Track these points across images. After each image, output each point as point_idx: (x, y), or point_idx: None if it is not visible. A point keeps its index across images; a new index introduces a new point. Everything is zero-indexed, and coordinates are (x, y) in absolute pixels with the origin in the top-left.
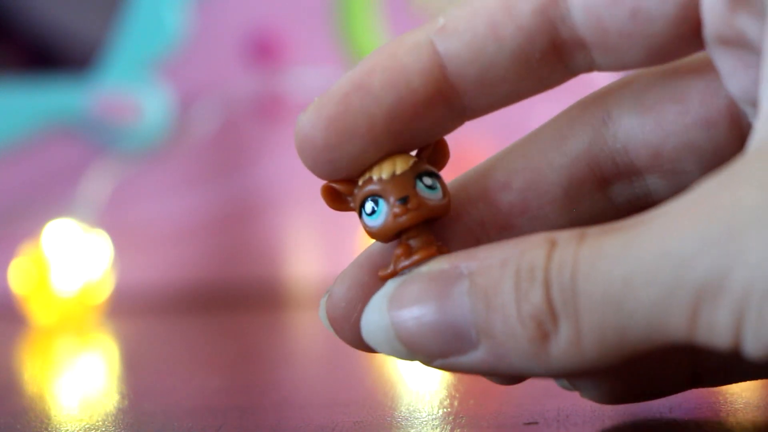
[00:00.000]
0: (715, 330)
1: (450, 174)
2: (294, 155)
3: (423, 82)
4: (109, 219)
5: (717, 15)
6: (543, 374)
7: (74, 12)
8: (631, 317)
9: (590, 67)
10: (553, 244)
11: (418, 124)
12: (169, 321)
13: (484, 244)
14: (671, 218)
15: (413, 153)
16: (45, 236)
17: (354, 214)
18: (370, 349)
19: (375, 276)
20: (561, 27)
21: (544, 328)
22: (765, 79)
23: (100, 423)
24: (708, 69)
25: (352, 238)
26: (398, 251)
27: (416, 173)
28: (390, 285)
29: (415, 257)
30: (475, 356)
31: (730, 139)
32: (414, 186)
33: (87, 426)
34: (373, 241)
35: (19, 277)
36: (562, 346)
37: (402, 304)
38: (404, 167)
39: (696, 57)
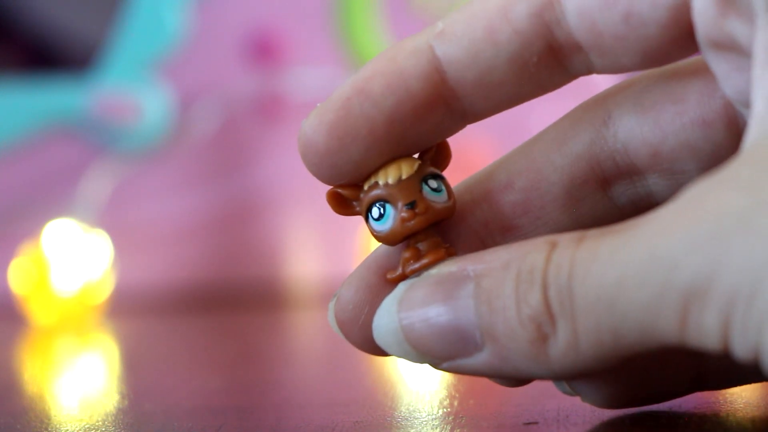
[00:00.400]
0: (704, 332)
1: (451, 174)
2: (294, 155)
3: (422, 87)
4: (109, 219)
5: (708, 19)
6: (545, 376)
7: (74, 12)
8: (624, 319)
9: (589, 70)
10: (553, 246)
11: (418, 128)
12: (169, 321)
13: (493, 247)
14: (661, 221)
15: (416, 155)
16: (45, 236)
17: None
18: (379, 352)
19: (382, 278)
20: (557, 30)
21: (543, 329)
22: (756, 82)
23: (100, 423)
24: (706, 70)
25: (352, 238)
26: (406, 254)
27: (421, 177)
28: (400, 288)
29: (424, 260)
30: (481, 359)
31: (727, 139)
32: (420, 190)
33: (87, 426)
34: (379, 243)
35: (19, 277)
36: (560, 348)
37: (411, 307)
38: (410, 171)
39: (696, 58)
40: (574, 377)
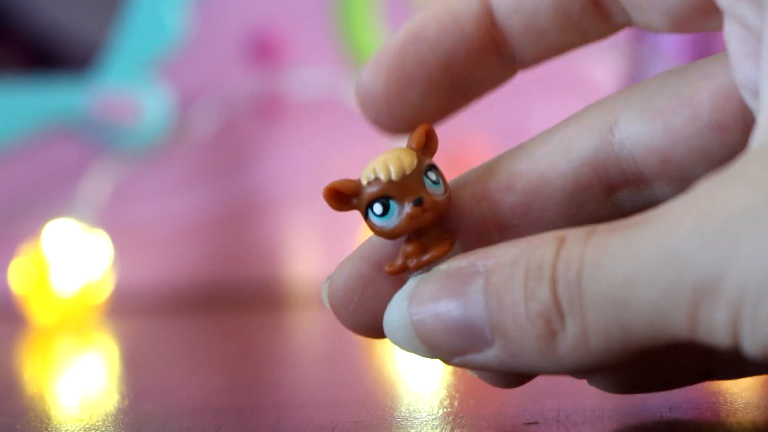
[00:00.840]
0: (714, 329)
1: (451, 174)
2: (294, 155)
3: (475, 30)
4: (109, 219)
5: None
6: (554, 371)
7: (74, 12)
8: (634, 315)
9: (629, 23)
10: (561, 242)
11: (473, 73)
12: (169, 321)
13: (503, 242)
14: (671, 217)
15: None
16: (45, 236)
17: (353, 213)
18: (370, 334)
19: (375, 268)
20: None
21: (552, 325)
22: (765, 77)
23: (100, 423)
24: (718, 72)
25: (352, 238)
26: (408, 248)
27: (422, 170)
28: (410, 284)
29: (431, 254)
30: (491, 354)
31: (743, 143)
32: (424, 185)
33: (87, 426)
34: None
35: (19, 277)
36: (569, 343)
37: (421, 303)
38: (412, 165)
39: (704, 61)
40: (583, 372)
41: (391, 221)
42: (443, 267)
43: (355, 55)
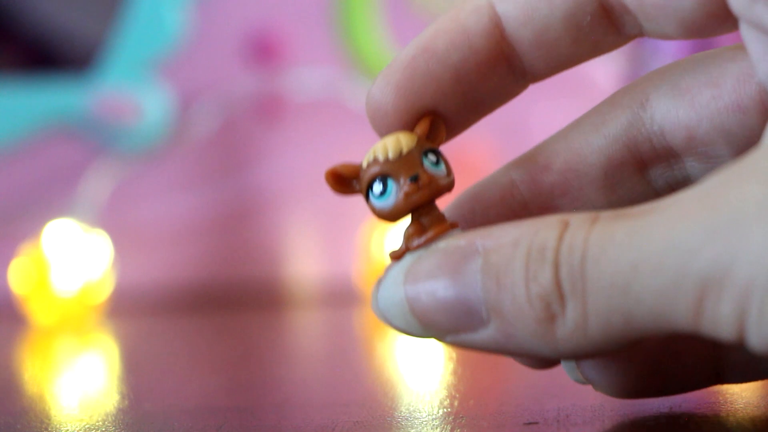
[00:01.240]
0: (719, 322)
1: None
2: (294, 155)
3: (485, 43)
4: (109, 219)
5: (740, 2)
6: (550, 355)
7: (74, 12)
8: (637, 303)
9: (640, 32)
10: (565, 226)
11: (483, 86)
12: (169, 321)
13: (503, 223)
14: (680, 208)
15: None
16: (45, 236)
17: (353, 213)
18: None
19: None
20: None
21: (552, 309)
22: None
23: (100, 423)
24: (744, 56)
25: (352, 238)
26: (410, 230)
27: (421, 150)
28: (407, 259)
29: (430, 234)
30: (485, 334)
31: (761, 125)
32: (422, 163)
33: (87, 426)
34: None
35: (19, 277)
36: (568, 328)
37: (417, 279)
38: (411, 145)
39: (735, 46)
40: (580, 358)
41: (389, 200)
42: (441, 245)
43: (355, 55)
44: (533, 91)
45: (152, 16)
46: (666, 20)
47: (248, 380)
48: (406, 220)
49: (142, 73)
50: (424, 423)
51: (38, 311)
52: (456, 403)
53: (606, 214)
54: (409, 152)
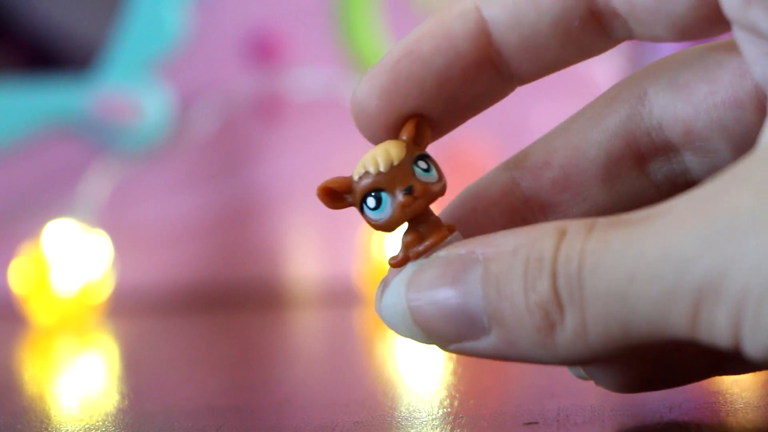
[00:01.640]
0: (715, 331)
1: (451, 174)
2: (294, 155)
3: (470, 47)
4: (109, 219)
5: (733, 5)
6: (551, 362)
7: (74, 12)
8: (635, 312)
9: (630, 36)
10: (562, 235)
11: (468, 90)
12: (169, 321)
13: (503, 231)
14: (674, 217)
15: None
16: (45, 236)
17: (353, 213)
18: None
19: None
20: None
21: (551, 317)
22: None
23: (100, 423)
24: (739, 50)
25: (352, 238)
26: (408, 238)
27: (411, 158)
28: (408, 269)
29: (428, 242)
30: (488, 342)
31: (757, 121)
32: (414, 173)
33: (87, 426)
34: (378, 230)
35: (19, 277)
36: (568, 336)
37: (419, 289)
38: (401, 156)
39: (731, 38)
40: (580, 364)
41: (385, 213)
42: (442, 254)
43: (354, 55)
44: (533, 91)
45: (152, 16)
46: (657, 24)
47: (248, 380)
48: (403, 227)
49: (142, 73)
50: (424, 423)
51: (38, 311)
52: (456, 403)
53: (602, 222)
54: (400, 163)
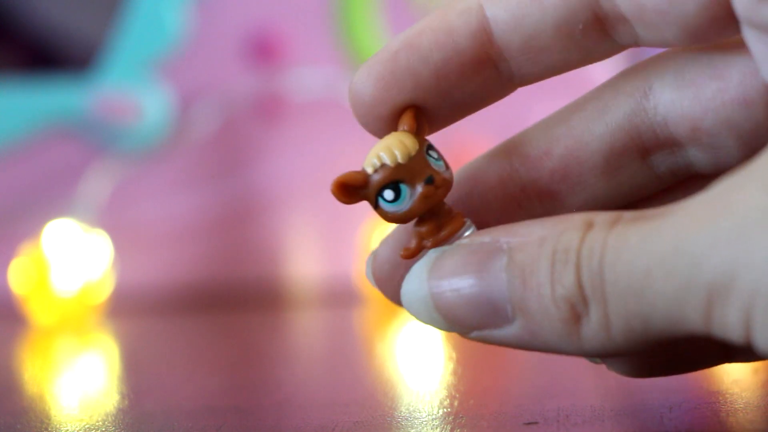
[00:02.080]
0: (727, 327)
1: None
2: (294, 155)
3: (470, 45)
4: (109, 219)
5: (746, 3)
6: (575, 353)
7: (74, 12)
8: (653, 308)
9: (635, 41)
10: (589, 227)
11: (465, 86)
12: (169, 321)
13: (529, 210)
14: (687, 215)
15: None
16: (45, 236)
17: (353, 213)
18: None
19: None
20: (603, 0)
21: (577, 310)
22: None
23: (100, 423)
24: (746, 50)
25: (352, 238)
26: (423, 229)
27: (424, 150)
28: (431, 255)
29: (447, 231)
30: (510, 331)
31: (767, 119)
32: (429, 164)
33: (87, 426)
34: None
35: (19, 277)
36: (593, 329)
37: (441, 275)
38: (416, 146)
39: (739, 37)
40: (604, 356)
41: (405, 204)
42: (465, 241)
43: (355, 55)
44: (534, 90)
45: (152, 16)
46: (667, 26)
47: (248, 380)
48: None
49: (142, 73)
50: (424, 423)
51: (38, 311)
52: (456, 403)
53: (627, 216)
54: (417, 154)
